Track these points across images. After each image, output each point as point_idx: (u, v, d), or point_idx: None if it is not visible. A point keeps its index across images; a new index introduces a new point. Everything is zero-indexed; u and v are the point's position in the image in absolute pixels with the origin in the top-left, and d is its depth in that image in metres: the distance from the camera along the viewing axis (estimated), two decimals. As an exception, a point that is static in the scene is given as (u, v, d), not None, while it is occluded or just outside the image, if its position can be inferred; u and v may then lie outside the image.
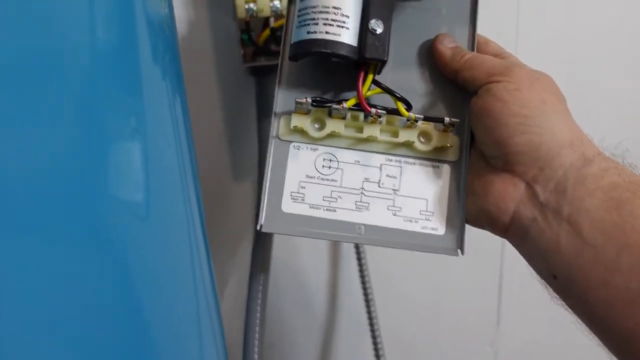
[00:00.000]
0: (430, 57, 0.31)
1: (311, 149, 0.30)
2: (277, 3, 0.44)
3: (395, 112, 0.30)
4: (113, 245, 0.24)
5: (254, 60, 0.47)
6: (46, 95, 0.21)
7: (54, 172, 0.22)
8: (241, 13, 0.43)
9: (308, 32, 0.28)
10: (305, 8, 0.29)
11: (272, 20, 0.45)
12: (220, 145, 0.52)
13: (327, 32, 0.28)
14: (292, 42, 0.29)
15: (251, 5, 0.43)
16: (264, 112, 0.49)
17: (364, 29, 0.28)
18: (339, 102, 0.29)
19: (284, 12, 0.43)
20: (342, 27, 0.28)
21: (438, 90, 0.31)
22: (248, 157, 0.53)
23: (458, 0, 0.32)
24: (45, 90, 0.21)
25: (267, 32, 0.46)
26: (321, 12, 0.28)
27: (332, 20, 0.28)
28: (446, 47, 0.31)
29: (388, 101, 0.30)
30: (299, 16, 0.29)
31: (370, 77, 0.29)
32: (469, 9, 0.32)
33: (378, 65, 0.29)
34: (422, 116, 0.29)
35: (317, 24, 0.28)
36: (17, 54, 0.20)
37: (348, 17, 0.28)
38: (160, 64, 0.29)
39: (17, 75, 0.20)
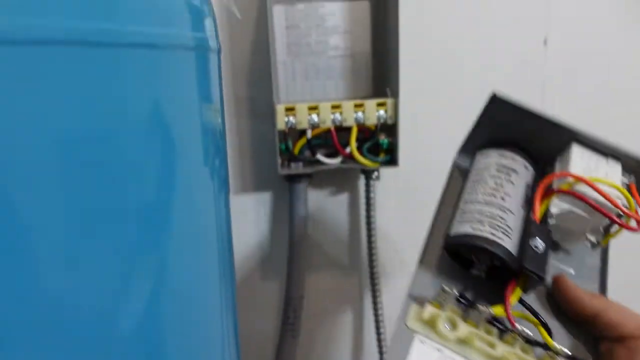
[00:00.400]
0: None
1: (436, 349, 0.27)
2: (314, 117, 0.48)
3: (537, 342, 0.28)
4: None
5: (289, 167, 0.50)
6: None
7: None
8: (281, 125, 0.47)
9: (472, 228, 0.30)
10: (472, 209, 0.31)
11: (309, 131, 0.49)
12: (252, 242, 0.55)
13: (492, 233, 0.29)
14: (451, 232, 0.31)
15: (290, 118, 0.47)
16: (296, 214, 0.51)
17: (525, 245, 0.29)
18: (485, 306, 0.28)
19: (321, 125, 0.48)
20: (506, 234, 0.29)
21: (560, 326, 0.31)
22: (277, 257, 0.55)
23: (589, 261, 0.34)
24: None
25: (303, 140, 0.50)
26: (488, 216, 0.30)
27: (498, 225, 0.30)
28: (581, 290, 0.32)
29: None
30: (462, 213, 0.31)
31: (518, 291, 0.29)
32: (599, 271, 0.33)
33: (528, 281, 0.29)
34: (568, 352, 0.28)
35: (482, 224, 0.30)
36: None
37: (511, 229, 0.30)
38: (210, 166, 0.32)
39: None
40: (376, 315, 0.55)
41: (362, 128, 0.50)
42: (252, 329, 0.56)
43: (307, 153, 0.50)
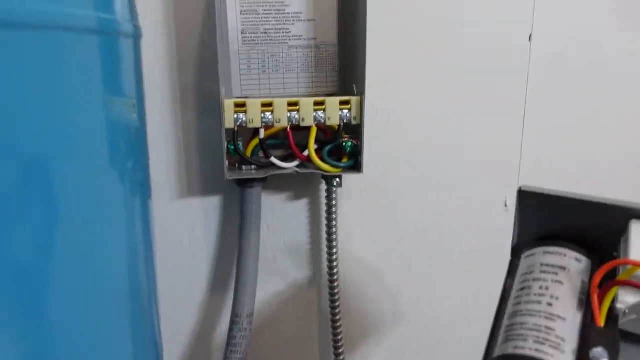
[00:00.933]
0: None
1: None
2: (268, 114, 0.42)
3: None
4: None
5: (239, 170, 0.45)
6: None
7: None
8: (229, 122, 0.41)
9: (514, 347, 0.26)
10: (515, 323, 0.27)
11: (261, 130, 0.43)
12: (200, 251, 0.49)
13: (536, 350, 0.25)
14: (494, 354, 0.27)
15: (241, 115, 0.42)
16: (247, 222, 0.46)
17: (582, 356, 0.25)
18: None
19: (275, 124, 0.42)
20: (556, 347, 0.25)
21: None
22: (224, 266, 0.49)
23: None
24: None
25: (255, 141, 0.44)
26: (532, 329, 0.26)
27: (545, 339, 0.25)
28: None
29: None
30: (506, 329, 0.27)
31: None
32: None
33: None
34: None
35: (526, 339, 0.26)
36: None
37: (563, 340, 0.25)
38: (118, 168, 0.27)
39: None
40: (334, 329, 0.50)
41: (323, 128, 0.44)
42: (195, 349, 0.51)
43: (260, 154, 0.45)
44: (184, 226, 0.48)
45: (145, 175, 0.31)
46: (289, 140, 0.43)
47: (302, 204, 0.50)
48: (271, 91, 0.46)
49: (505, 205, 0.54)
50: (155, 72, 0.44)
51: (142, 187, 0.30)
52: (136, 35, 0.28)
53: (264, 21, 0.45)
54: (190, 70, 0.45)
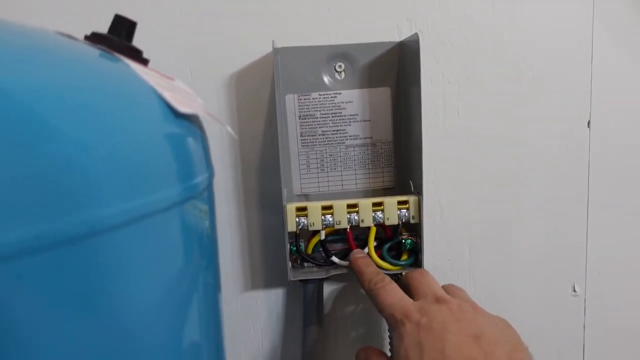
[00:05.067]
0: None
1: None
2: (329, 217, 0.44)
3: None
4: None
5: (301, 268, 0.46)
6: None
7: None
8: (292, 226, 0.43)
9: None
10: None
11: (322, 232, 0.44)
12: (265, 342, 0.50)
13: None
14: None
15: (302, 219, 0.43)
16: (309, 318, 0.47)
17: None
18: None
19: (336, 225, 0.43)
20: None
21: None
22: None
23: None
24: None
25: (316, 238, 0.45)
26: None
27: None
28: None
29: None
30: None
31: None
32: None
33: None
34: None
35: None
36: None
37: None
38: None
39: None
40: None
41: (383, 226, 0.45)
42: None
43: (321, 251, 0.46)
44: (248, 319, 0.49)
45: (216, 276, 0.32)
46: (349, 240, 0.45)
47: (361, 299, 0.50)
48: (330, 188, 0.48)
49: (574, 290, 0.52)
50: (220, 176, 0.47)
51: (214, 288, 0.32)
52: (211, 177, 0.30)
53: (322, 124, 0.47)
54: (252, 173, 0.47)
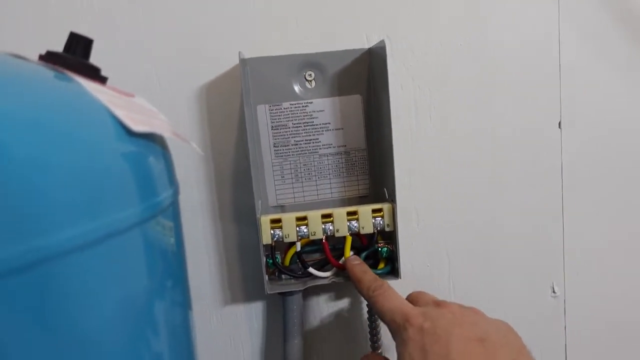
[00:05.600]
0: None
1: None
2: (304, 228, 0.43)
3: None
4: None
5: (279, 280, 0.46)
6: None
7: None
8: (267, 239, 0.43)
9: None
10: None
11: (298, 244, 0.44)
12: (245, 357, 0.49)
13: None
14: None
15: (277, 231, 0.43)
16: (290, 331, 0.46)
17: None
18: None
19: (311, 236, 0.43)
20: None
21: None
22: (272, 375, 0.50)
23: None
24: None
25: (292, 250, 0.45)
26: None
27: None
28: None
29: None
30: None
31: None
32: None
33: None
34: None
35: None
36: None
37: None
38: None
39: None
40: None
41: (359, 235, 0.45)
42: None
43: (298, 263, 0.45)
44: (228, 334, 0.49)
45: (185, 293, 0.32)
46: (325, 251, 0.44)
47: (342, 310, 0.50)
48: (305, 199, 0.47)
49: (554, 291, 0.52)
50: (194, 190, 0.46)
51: (182, 306, 0.31)
52: (175, 194, 0.30)
53: (294, 134, 0.46)
54: (226, 186, 0.47)
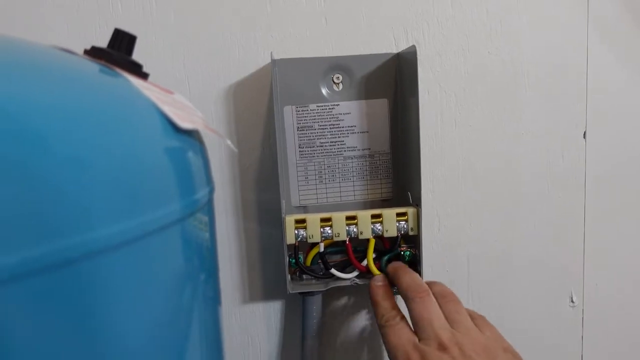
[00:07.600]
0: None
1: None
2: (328, 229, 0.43)
3: None
4: None
5: (300, 280, 0.46)
6: None
7: None
8: (290, 239, 0.43)
9: None
10: None
11: (321, 245, 0.44)
12: (263, 357, 0.50)
13: None
14: None
15: (301, 231, 0.43)
16: (308, 331, 0.46)
17: None
18: None
19: (335, 238, 0.43)
20: None
21: None
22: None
23: None
24: None
25: (315, 250, 0.45)
26: None
27: None
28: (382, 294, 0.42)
29: None
30: None
31: None
32: None
33: None
34: None
35: None
36: None
37: None
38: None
39: None
40: None
41: (382, 238, 0.45)
42: None
43: (320, 264, 0.46)
44: (246, 332, 0.49)
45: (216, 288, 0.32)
46: (348, 252, 0.44)
47: (362, 311, 0.50)
48: (328, 200, 0.47)
49: (572, 301, 0.52)
50: (218, 189, 0.46)
51: (214, 301, 0.32)
52: (211, 192, 0.30)
53: (320, 135, 0.47)
54: (251, 185, 0.47)
